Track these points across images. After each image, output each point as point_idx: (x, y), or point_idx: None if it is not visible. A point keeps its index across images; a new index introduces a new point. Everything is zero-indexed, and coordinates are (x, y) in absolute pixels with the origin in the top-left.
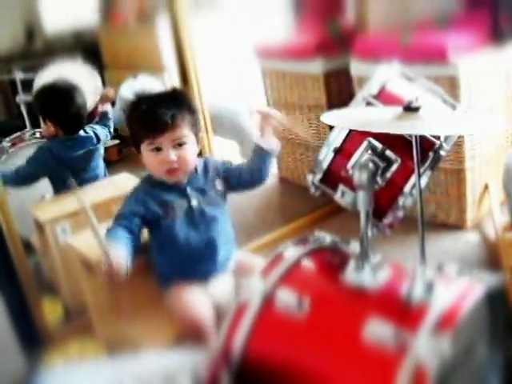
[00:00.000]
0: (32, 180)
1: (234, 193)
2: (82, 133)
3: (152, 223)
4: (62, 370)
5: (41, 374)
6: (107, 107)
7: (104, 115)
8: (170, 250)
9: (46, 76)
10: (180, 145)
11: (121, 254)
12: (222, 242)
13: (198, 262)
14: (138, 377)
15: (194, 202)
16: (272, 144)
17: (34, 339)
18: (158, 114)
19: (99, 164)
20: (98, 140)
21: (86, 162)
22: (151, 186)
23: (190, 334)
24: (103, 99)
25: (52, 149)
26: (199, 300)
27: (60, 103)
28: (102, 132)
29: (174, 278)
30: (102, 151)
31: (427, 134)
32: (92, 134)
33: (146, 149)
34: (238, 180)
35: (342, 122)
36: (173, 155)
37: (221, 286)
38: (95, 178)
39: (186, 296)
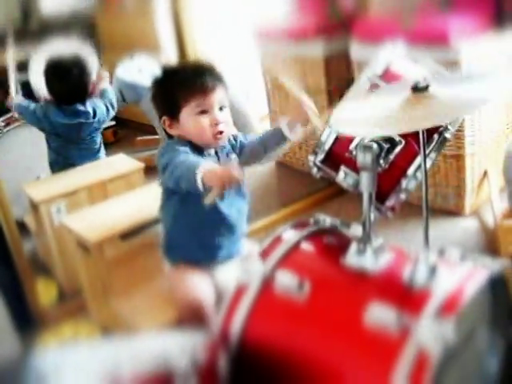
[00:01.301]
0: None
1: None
2: (79, 105)
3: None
4: (56, 351)
5: (35, 356)
6: (106, 85)
7: (103, 92)
8: (199, 217)
9: (43, 54)
10: (222, 108)
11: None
12: (243, 215)
13: (219, 234)
14: (135, 358)
15: None
16: (297, 136)
17: (28, 320)
18: (205, 76)
19: (94, 139)
20: (95, 115)
21: (77, 134)
22: (190, 150)
23: (189, 315)
24: (98, 79)
25: (48, 110)
26: (202, 282)
27: (56, 77)
28: (102, 109)
29: (187, 253)
30: (98, 128)
31: (443, 122)
32: (90, 109)
33: (191, 113)
34: (247, 156)
35: (355, 129)
36: (221, 117)
37: (229, 274)
38: (85, 151)
39: (188, 277)
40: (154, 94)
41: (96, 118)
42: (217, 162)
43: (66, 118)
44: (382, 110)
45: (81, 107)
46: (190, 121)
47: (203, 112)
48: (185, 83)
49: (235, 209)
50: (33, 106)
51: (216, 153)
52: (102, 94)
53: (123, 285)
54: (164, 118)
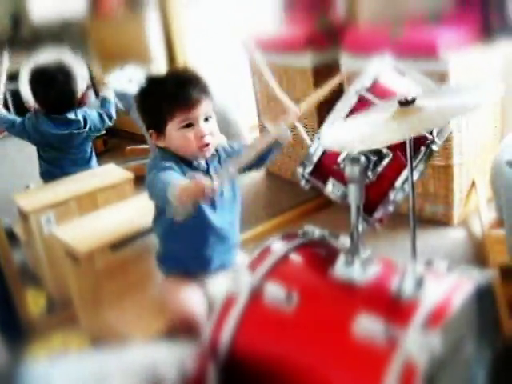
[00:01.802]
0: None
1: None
2: (69, 115)
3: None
4: (46, 361)
5: (24, 367)
6: (106, 92)
7: (103, 100)
8: (190, 229)
9: (35, 63)
10: (207, 119)
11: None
12: (234, 226)
13: (211, 245)
14: (124, 369)
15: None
16: (287, 138)
17: (17, 331)
18: (189, 89)
19: (84, 148)
20: (85, 125)
21: (68, 144)
22: (176, 161)
23: (181, 326)
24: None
25: (37, 121)
26: (194, 295)
27: (43, 85)
28: (94, 118)
29: (180, 265)
30: (90, 137)
31: (429, 129)
32: (81, 117)
33: (176, 127)
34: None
35: (342, 143)
36: (206, 129)
37: (221, 285)
38: (77, 160)
39: (180, 289)
40: (138, 106)
41: (87, 128)
42: (206, 172)
43: (56, 127)
44: (369, 124)
45: (71, 116)
46: (175, 135)
47: (188, 125)
48: (169, 97)
49: (227, 221)
50: (19, 119)
51: (206, 162)
52: (101, 102)
53: (113, 295)
54: (150, 131)
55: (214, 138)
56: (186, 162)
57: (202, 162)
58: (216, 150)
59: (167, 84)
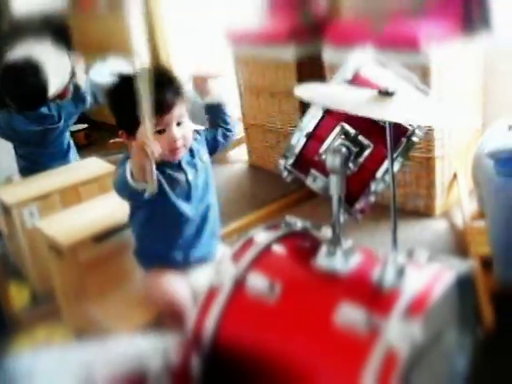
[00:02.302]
0: None
1: (216, 153)
2: (43, 110)
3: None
4: (29, 355)
5: (8, 360)
6: (80, 81)
7: (76, 89)
8: (166, 224)
9: (13, 57)
10: (180, 123)
11: None
12: (211, 217)
13: (189, 237)
14: (108, 361)
15: (190, 177)
16: (217, 96)
17: (0, 324)
18: (162, 95)
19: (61, 141)
20: (60, 119)
21: (44, 139)
22: None
23: (168, 315)
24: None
25: (11, 119)
26: (178, 283)
27: (13, 84)
28: (68, 107)
29: (158, 259)
30: (66, 129)
31: (400, 121)
32: (55, 112)
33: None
34: (216, 141)
35: (316, 97)
36: (178, 134)
37: (203, 276)
38: (54, 154)
39: (165, 279)
40: (109, 103)
41: (61, 121)
42: (178, 167)
43: (30, 124)
44: (347, 93)
45: (45, 111)
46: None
47: (160, 131)
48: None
49: (202, 212)
50: None
51: (180, 160)
52: (74, 88)
53: (97, 288)
54: (121, 131)
55: (187, 141)
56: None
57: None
58: None
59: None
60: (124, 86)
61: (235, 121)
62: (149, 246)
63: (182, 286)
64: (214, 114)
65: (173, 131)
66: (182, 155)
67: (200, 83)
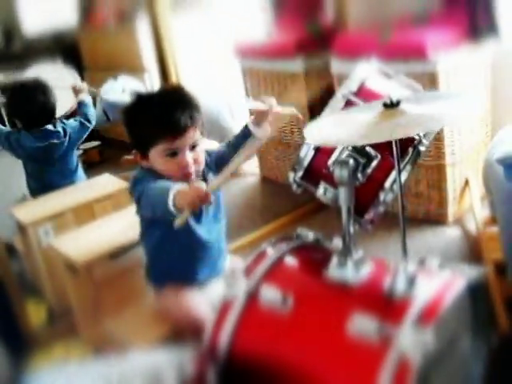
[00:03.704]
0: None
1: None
2: (49, 126)
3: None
4: (47, 372)
5: (26, 377)
6: (83, 97)
7: (80, 105)
8: (175, 243)
9: (24, 77)
10: (194, 147)
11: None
12: (220, 234)
13: (197, 256)
14: (125, 375)
15: None
16: (265, 134)
17: (18, 343)
18: (176, 117)
19: (70, 160)
20: (65, 135)
21: (50, 155)
22: (156, 178)
23: (190, 331)
24: (74, 92)
25: (20, 136)
26: (198, 299)
27: (21, 103)
28: (74, 126)
29: (170, 278)
30: (72, 146)
31: (410, 135)
32: (60, 128)
33: (159, 153)
34: (224, 164)
35: (326, 139)
36: (190, 158)
37: (217, 291)
38: (63, 172)
39: (184, 295)
40: (124, 122)
41: (67, 137)
42: None
43: (36, 140)
44: (355, 123)
45: (49, 127)
46: (158, 161)
47: (172, 154)
48: (154, 123)
49: (213, 232)
50: (5, 132)
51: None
52: (79, 107)
53: (112, 304)
54: (134, 151)
55: (199, 166)
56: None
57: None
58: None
59: (154, 107)
60: (139, 107)
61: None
62: (161, 266)
63: (203, 302)
64: (245, 142)
65: (185, 156)
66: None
67: (262, 117)
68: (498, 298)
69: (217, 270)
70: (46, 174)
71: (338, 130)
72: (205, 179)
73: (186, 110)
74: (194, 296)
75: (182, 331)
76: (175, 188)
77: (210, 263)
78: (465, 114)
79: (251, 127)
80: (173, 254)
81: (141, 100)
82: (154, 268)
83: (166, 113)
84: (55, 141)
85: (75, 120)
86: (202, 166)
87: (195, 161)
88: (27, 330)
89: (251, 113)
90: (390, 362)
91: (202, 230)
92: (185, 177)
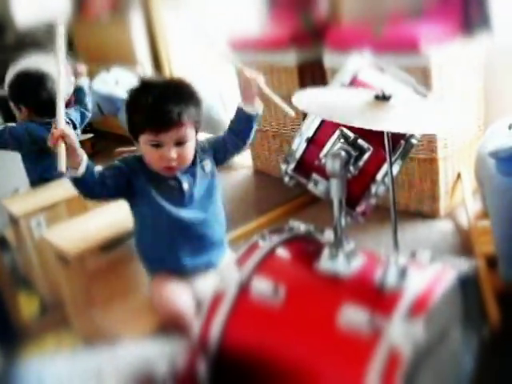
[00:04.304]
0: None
1: (223, 163)
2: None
3: (142, 198)
4: (39, 361)
5: (18, 368)
6: (83, 83)
7: (78, 92)
8: (158, 231)
9: (18, 68)
10: (181, 143)
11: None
12: (212, 225)
13: (185, 245)
14: (116, 365)
15: (185, 186)
16: (256, 107)
17: (10, 334)
18: (164, 111)
19: None
20: (75, 126)
21: None
22: (144, 164)
23: (170, 325)
24: (76, 74)
25: (30, 128)
26: (181, 293)
27: (31, 88)
28: (76, 116)
29: (158, 265)
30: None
31: (397, 131)
32: (68, 119)
33: (145, 142)
34: (225, 152)
35: (313, 108)
36: (173, 153)
37: (206, 285)
38: None
39: (167, 288)
40: (125, 106)
41: (77, 129)
42: (175, 180)
43: (49, 131)
44: (347, 102)
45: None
46: (144, 148)
47: (157, 145)
48: (143, 113)
49: (200, 218)
50: (9, 126)
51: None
52: (76, 92)
53: (104, 296)
54: (129, 133)
55: (184, 161)
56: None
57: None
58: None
59: (149, 96)
60: (135, 94)
61: (251, 139)
62: (147, 250)
63: (186, 297)
64: (242, 123)
65: (169, 150)
66: (175, 175)
67: (248, 87)
68: (489, 292)
69: (210, 263)
70: (50, 166)
71: (328, 102)
72: (194, 164)
73: (178, 105)
74: (177, 290)
75: (164, 324)
76: None
77: (203, 253)
78: (454, 128)
79: (242, 105)
80: (155, 236)
81: (142, 85)
82: (143, 253)
83: (156, 104)
84: None
85: (75, 110)
86: (188, 162)
87: (180, 156)
88: (19, 321)
89: (238, 74)
90: (380, 353)
91: (184, 213)
92: (167, 170)
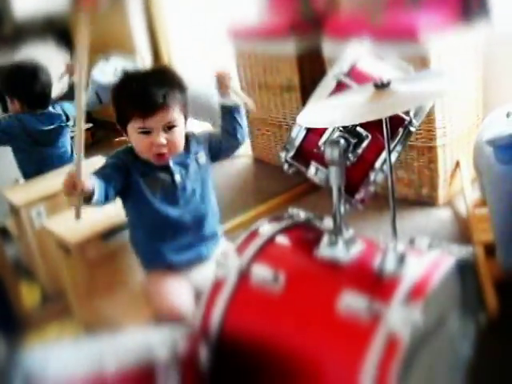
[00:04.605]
0: None
1: (217, 161)
2: (51, 109)
3: (132, 194)
4: (42, 349)
5: (21, 357)
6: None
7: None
8: (150, 225)
9: (11, 60)
10: (170, 128)
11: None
12: (204, 218)
13: (177, 238)
14: (118, 352)
15: (178, 178)
16: (234, 99)
17: (12, 323)
18: (149, 94)
19: (66, 142)
20: (68, 118)
21: (54, 138)
22: (135, 157)
23: (166, 320)
24: (67, 70)
25: (22, 120)
26: (179, 288)
27: (24, 81)
28: (72, 109)
29: (151, 260)
30: (68, 130)
31: (402, 110)
32: (61, 111)
33: (133, 130)
34: (219, 148)
35: (320, 120)
36: (163, 139)
37: (204, 274)
38: (62, 154)
39: (163, 284)
40: (111, 98)
41: (70, 120)
42: (166, 169)
43: (42, 123)
44: (347, 104)
45: (53, 111)
46: (133, 137)
47: (145, 132)
48: (129, 99)
49: (192, 214)
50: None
51: (168, 162)
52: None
53: (105, 284)
54: (117, 125)
55: (175, 148)
56: (147, 162)
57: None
58: (186, 140)
59: (132, 83)
60: (122, 83)
61: (245, 133)
62: (140, 247)
63: (184, 291)
64: (227, 118)
65: (158, 135)
66: (165, 162)
67: (222, 81)
68: (487, 279)
69: (204, 254)
70: (46, 158)
71: (330, 112)
72: (188, 155)
73: (162, 88)
74: (175, 285)
75: (159, 319)
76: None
77: (196, 247)
78: (451, 89)
79: (221, 101)
80: (145, 231)
81: (125, 76)
82: (135, 246)
83: (140, 89)
84: (61, 123)
85: (71, 103)
86: (179, 148)
87: (169, 142)
88: (21, 311)
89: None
90: (379, 338)
91: (173, 211)
92: (157, 157)
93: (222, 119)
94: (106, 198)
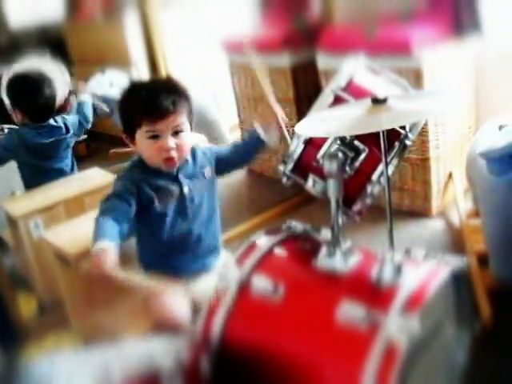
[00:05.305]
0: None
1: (221, 176)
2: (51, 122)
3: (143, 208)
4: (47, 359)
5: (22, 368)
6: (84, 97)
7: (80, 105)
8: (157, 238)
9: (15, 70)
10: (178, 132)
11: (109, 248)
12: (210, 230)
13: (183, 251)
14: (123, 362)
15: (186, 189)
16: (273, 140)
17: (10, 334)
18: (159, 100)
19: (67, 155)
20: (68, 130)
21: (54, 151)
22: (143, 170)
23: (163, 329)
24: (78, 90)
25: (22, 134)
26: (177, 301)
27: (28, 93)
28: (73, 123)
29: (156, 269)
30: (71, 142)
31: (397, 125)
32: (62, 124)
33: (143, 136)
34: (226, 165)
35: (318, 131)
36: (172, 142)
37: (205, 286)
38: (62, 168)
39: (164, 295)
40: (118, 108)
41: (70, 133)
42: (174, 180)
43: (42, 136)
44: (344, 117)
45: (53, 123)
46: (142, 143)
47: (154, 137)
48: (137, 105)
49: (196, 223)
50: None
51: (177, 171)
52: (78, 107)
53: (103, 295)
54: (124, 134)
55: (183, 152)
56: (155, 171)
57: (174, 171)
58: (193, 153)
59: (140, 91)
60: (128, 92)
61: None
62: (146, 257)
63: (182, 304)
64: (252, 149)
65: (166, 139)
66: (179, 166)
67: (273, 126)
68: (481, 289)
69: (205, 266)
70: (49, 173)
71: (327, 123)
72: (195, 168)
73: (170, 95)
74: (173, 296)
75: (157, 328)
76: (96, 244)
77: (198, 257)
78: (445, 109)
79: (261, 134)
80: (154, 246)
81: (131, 85)
82: (141, 259)
83: (149, 96)
84: (61, 136)
85: (75, 116)
86: (187, 153)
87: (178, 147)
88: (19, 322)
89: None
90: (377, 347)
91: (186, 225)
92: (167, 162)
93: (248, 144)
94: (128, 235)
